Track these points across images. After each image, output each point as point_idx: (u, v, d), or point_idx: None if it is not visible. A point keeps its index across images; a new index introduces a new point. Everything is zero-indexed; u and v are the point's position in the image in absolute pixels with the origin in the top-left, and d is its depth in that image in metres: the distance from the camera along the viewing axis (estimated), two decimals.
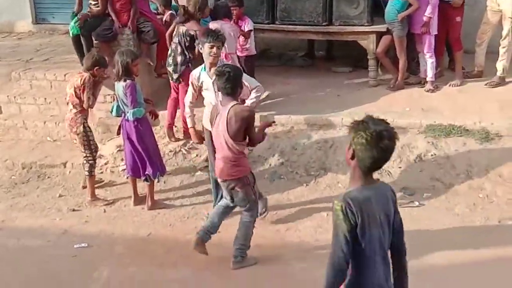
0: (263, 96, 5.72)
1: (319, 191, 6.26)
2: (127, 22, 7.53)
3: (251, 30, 7.30)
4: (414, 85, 7.79)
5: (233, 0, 7.21)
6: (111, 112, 6.12)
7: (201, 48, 5.50)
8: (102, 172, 6.83)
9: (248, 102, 5.54)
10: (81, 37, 7.52)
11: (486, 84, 7.61)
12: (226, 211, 5.18)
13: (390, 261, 2.96)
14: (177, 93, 6.93)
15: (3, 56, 9.30)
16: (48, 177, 6.95)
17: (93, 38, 7.52)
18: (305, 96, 7.60)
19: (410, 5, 7.35)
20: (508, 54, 7.52)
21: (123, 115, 5.93)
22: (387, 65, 7.79)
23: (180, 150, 6.99)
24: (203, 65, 5.57)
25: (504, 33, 7.47)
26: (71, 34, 7.63)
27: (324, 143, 6.71)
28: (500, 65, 7.55)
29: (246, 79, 5.28)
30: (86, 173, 6.31)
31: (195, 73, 5.64)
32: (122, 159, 6.81)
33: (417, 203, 5.88)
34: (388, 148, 2.81)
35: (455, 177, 6.18)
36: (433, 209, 5.79)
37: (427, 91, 7.56)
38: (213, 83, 5.22)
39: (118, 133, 6.20)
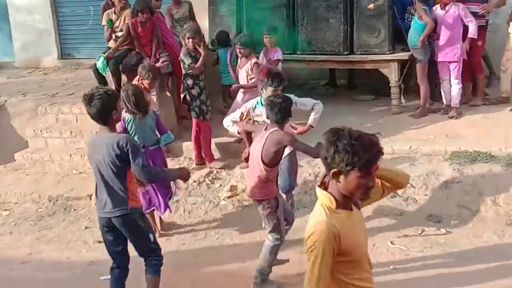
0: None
1: None
2: (150, 53, 7.69)
3: (279, 60, 7.35)
4: (437, 112, 7.76)
5: (268, 28, 7.28)
6: None
7: (262, 90, 5.52)
8: None
9: (311, 118, 5.70)
10: (111, 70, 7.71)
11: (510, 110, 7.55)
12: None
13: None
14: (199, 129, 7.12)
15: (30, 91, 9.47)
16: (74, 210, 7.01)
17: (120, 70, 7.68)
18: (327, 124, 7.51)
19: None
20: None
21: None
22: (425, 94, 7.71)
23: (204, 180, 7.01)
24: (258, 98, 5.65)
25: None
26: (104, 73, 7.86)
27: None
28: None
29: (300, 101, 5.51)
30: None
31: (250, 105, 5.70)
32: None
33: (444, 231, 5.79)
34: None
35: (482, 204, 6.10)
36: (461, 236, 5.71)
37: (451, 117, 7.53)
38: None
39: None
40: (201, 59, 6.89)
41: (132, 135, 5.67)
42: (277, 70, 5.84)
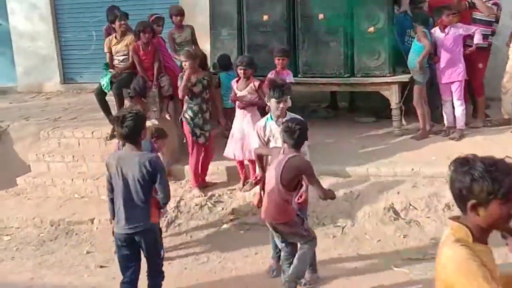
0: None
1: (347, 242, 6.20)
2: (152, 77, 7.75)
3: (292, 83, 7.36)
4: (438, 134, 7.78)
5: (279, 50, 7.29)
6: None
7: (268, 101, 5.57)
8: None
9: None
10: (114, 94, 7.74)
11: (511, 131, 7.56)
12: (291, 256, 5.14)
13: None
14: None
15: (32, 116, 9.52)
16: (76, 234, 6.99)
17: (128, 93, 7.75)
18: (329, 147, 7.63)
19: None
20: None
21: None
22: (423, 116, 7.74)
23: (206, 204, 7.01)
24: (268, 115, 5.65)
25: None
26: (107, 90, 7.89)
27: (350, 194, 6.68)
28: None
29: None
30: None
31: (260, 124, 5.68)
32: None
33: None
34: None
35: None
36: None
37: (453, 139, 7.54)
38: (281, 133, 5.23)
39: None
40: (183, 82, 6.90)
41: None
42: (280, 81, 5.78)
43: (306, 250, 5.04)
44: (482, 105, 8.02)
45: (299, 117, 5.35)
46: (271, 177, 4.89)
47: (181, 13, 8.47)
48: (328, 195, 5.00)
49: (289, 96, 5.50)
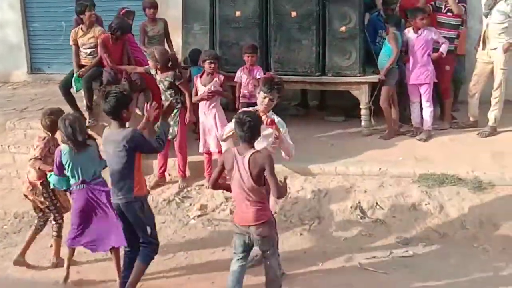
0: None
1: (313, 240, 6.22)
2: (122, 71, 7.67)
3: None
4: (406, 134, 7.86)
5: (248, 47, 7.37)
6: (55, 185, 5.57)
7: (258, 93, 5.43)
8: None
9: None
10: (84, 87, 7.66)
11: (478, 134, 7.68)
12: (243, 271, 5.00)
13: None
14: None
15: None
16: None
17: (99, 86, 7.68)
18: (298, 145, 7.59)
19: (401, 52, 7.57)
20: (500, 105, 7.63)
21: (77, 186, 5.41)
22: (389, 116, 7.83)
23: (173, 199, 6.98)
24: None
25: (495, 84, 7.59)
26: (75, 90, 7.81)
27: (318, 192, 6.71)
28: (491, 115, 7.65)
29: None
30: (54, 233, 5.97)
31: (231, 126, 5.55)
32: None
33: (411, 253, 5.84)
34: None
35: (449, 227, 6.17)
36: (428, 259, 5.74)
37: (420, 140, 7.63)
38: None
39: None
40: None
41: (68, 168, 5.34)
42: (274, 77, 5.73)
43: (274, 267, 4.88)
44: (449, 107, 8.15)
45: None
46: (239, 183, 4.71)
47: (154, 5, 8.41)
48: (283, 194, 4.88)
49: (277, 95, 5.37)
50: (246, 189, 4.70)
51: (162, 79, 6.95)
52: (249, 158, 4.65)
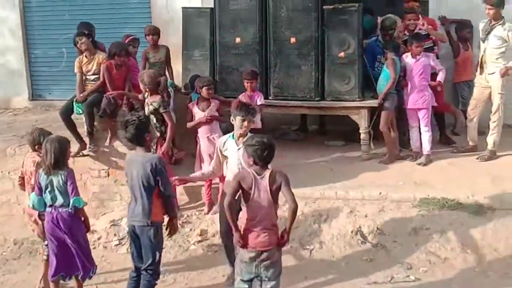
0: None
1: (314, 265, 6.20)
2: (122, 96, 7.71)
3: (263, 105, 7.45)
4: (406, 159, 7.88)
5: (248, 73, 7.48)
6: (32, 206, 5.59)
7: (232, 120, 5.61)
8: (94, 248, 6.73)
9: None
10: (85, 112, 7.67)
11: (477, 158, 7.70)
12: None
13: None
14: None
15: None
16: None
17: (99, 114, 7.71)
18: (298, 169, 7.66)
19: (399, 77, 7.64)
20: (499, 129, 7.67)
21: (50, 208, 5.46)
22: (389, 141, 7.85)
23: None
24: (231, 133, 5.65)
25: (493, 108, 7.64)
26: (76, 113, 7.84)
27: (319, 217, 6.71)
28: (490, 139, 7.68)
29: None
30: (45, 256, 5.91)
31: (221, 140, 5.74)
32: (115, 234, 6.78)
33: (413, 278, 5.82)
34: None
35: (450, 251, 6.15)
36: (430, 284, 5.73)
37: (419, 164, 7.65)
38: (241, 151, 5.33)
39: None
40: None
41: (48, 192, 5.41)
42: (247, 103, 6.02)
43: None
44: (460, 115, 8.43)
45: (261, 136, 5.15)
46: (260, 204, 4.66)
47: (155, 32, 8.49)
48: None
49: (253, 118, 5.64)
50: (265, 210, 4.68)
51: (149, 102, 7.01)
52: (269, 177, 4.67)
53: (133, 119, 5.12)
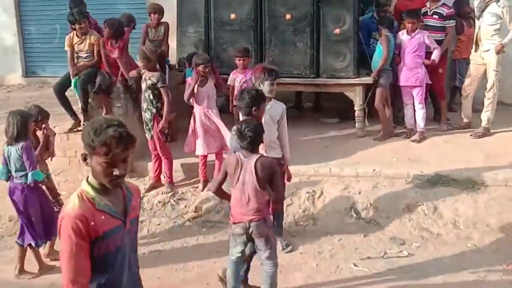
0: None
1: (308, 241, 6.25)
2: (117, 73, 7.69)
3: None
4: (400, 136, 7.91)
5: (240, 50, 7.43)
6: None
7: (259, 85, 5.66)
8: None
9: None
10: (80, 90, 7.62)
11: (471, 135, 7.73)
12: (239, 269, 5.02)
13: None
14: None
15: None
16: None
17: (93, 90, 7.66)
18: (293, 146, 7.64)
19: (394, 54, 7.63)
20: (493, 106, 7.69)
21: (12, 178, 5.76)
22: (384, 118, 7.87)
23: (168, 201, 6.98)
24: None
25: (488, 85, 7.65)
26: (74, 91, 7.79)
27: (313, 194, 6.74)
28: (484, 116, 7.71)
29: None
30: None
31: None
32: None
33: (406, 253, 5.87)
34: None
35: (443, 227, 6.21)
36: (422, 259, 5.78)
37: (413, 141, 7.68)
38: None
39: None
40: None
41: (7, 164, 5.71)
42: (270, 66, 6.07)
43: (272, 272, 4.83)
44: (444, 109, 8.21)
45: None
46: (245, 186, 4.67)
47: (160, 12, 8.45)
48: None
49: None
50: (249, 192, 4.69)
51: (147, 77, 6.91)
52: (256, 161, 4.66)
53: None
